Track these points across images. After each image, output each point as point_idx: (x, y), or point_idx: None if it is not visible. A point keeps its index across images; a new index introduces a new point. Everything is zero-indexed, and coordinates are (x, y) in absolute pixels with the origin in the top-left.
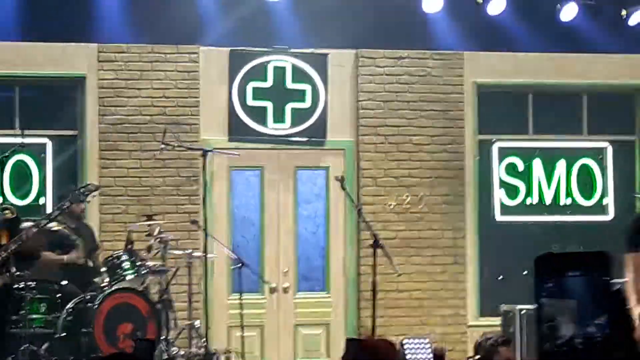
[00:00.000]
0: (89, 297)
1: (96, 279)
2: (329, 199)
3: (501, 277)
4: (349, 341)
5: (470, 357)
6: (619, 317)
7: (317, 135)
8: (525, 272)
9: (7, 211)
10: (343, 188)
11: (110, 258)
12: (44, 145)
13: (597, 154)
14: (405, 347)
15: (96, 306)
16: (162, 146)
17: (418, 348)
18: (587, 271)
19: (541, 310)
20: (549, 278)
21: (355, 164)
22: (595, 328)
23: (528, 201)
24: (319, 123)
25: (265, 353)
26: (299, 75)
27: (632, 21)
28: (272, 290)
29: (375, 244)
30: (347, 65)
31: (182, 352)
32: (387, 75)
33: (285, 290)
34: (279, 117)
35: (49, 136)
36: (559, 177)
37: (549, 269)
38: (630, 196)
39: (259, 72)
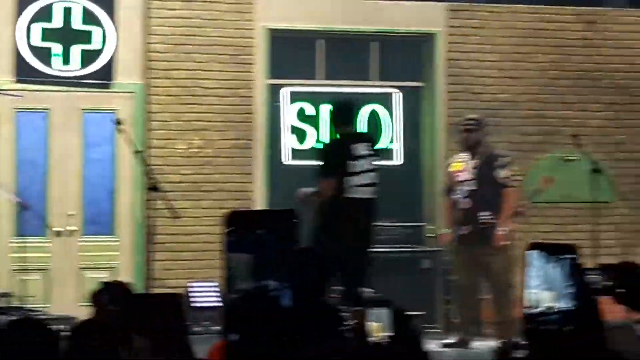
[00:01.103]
0: None
1: None
2: (117, 142)
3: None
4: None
5: None
6: (304, 272)
7: (105, 77)
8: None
9: None
10: (119, 131)
11: None
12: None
13: (386, 100)
14: (191, 291)
15: None
16: None
17: (204, 292)
18: (272, 229)
19: (227, 263)
20: (235, 233)
21: (144, 108)
22: (275, 282)
23: (317, 146)
24: (108, 66)
25: (49, 297)
26: (88, 16)
27: None
28: (57, 234)
29: (152, 188)
30: (137, 8)
31: None
32: (178, 18)
33: (71, 233)
34: (66, 59)
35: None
36: None
37: (237, 225)
38: (417, 141)
39: (46, 13)
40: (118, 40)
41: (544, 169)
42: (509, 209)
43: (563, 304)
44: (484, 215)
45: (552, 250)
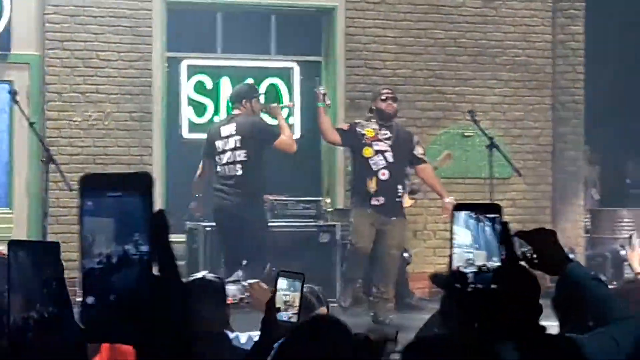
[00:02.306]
0: None
1: None
2: (13, 113)
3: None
4: None
5: None
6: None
7: (0, 48)
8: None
9: None
10: (15, 102)
11: None
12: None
13: (285, 74)
14: None
15: None
16: None
17: None
18: (126, 191)
19: (82, 229)
20: (90, 197)
21: (40, 79)
22: (133, 246)
23: (216, 119)
24: (3, 36)
25: None
26: None
27: None
28: None
29: (47, 160)
30: None
31: None
32: None
33: None
34: None
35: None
36: None
37: (91, 189)
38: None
39: None
40: (12, 10)
41: (441, 144)
42: (438, 181)
43: (495, 262)
44: (400, 189)
45: (478, 210)
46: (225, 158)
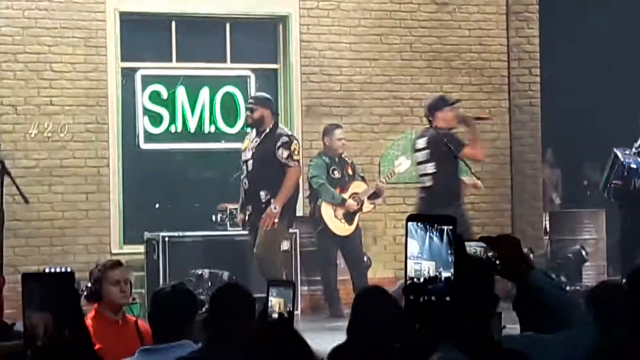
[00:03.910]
0: None
1: None
2: None
3: (157, 205)
4: None
5: None
6: None
7: None
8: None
9: None
10: None
11: None
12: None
13: (241, 82)
14: None
15: None
16: None
17: None
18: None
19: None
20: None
21: None
22: None
23: (172, 129)
24: None
25: None
26: None
27: None
28: None
29: (2, 170)
30: None
31: None
32: (25, 1)
33: None
34: None
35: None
36: (203, 105)
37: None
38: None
39: None
40: None
41: (398, 149)
42: (286, 189)
43: (447, 273)
44: (263, 195)
45: (431, 221)
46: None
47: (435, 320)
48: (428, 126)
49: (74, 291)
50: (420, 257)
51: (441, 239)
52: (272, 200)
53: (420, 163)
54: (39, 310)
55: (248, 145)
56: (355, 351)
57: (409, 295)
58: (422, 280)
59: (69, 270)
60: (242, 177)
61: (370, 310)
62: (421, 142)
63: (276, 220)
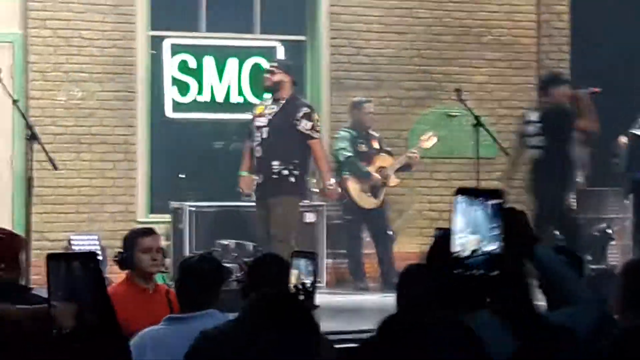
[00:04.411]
0: None
1: None
2: None
3: (183, 175)
4: None
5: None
6: None
7: None
8: (182, 175)
9: None
10: None
11: None
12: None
13: (269, 53)
14: (72, 243)
15: None
16: None
17: (86, 245)
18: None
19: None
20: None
21: (23, 58)
22: None
23: (199, 99)
24: None
25: None
26: None
27: None
28: None
29: (31, 139)
30: None
31: None
32: None
33: None
34: None
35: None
36: (230, 75)
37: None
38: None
39: None
40: None
41: (426, 124)
42: (324, 160)
43: (489, 247)
44: (276, 165)
45: (477, 194)
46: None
47: (478, 293)
48: (541, 100)
49: (100, 277)
50: (466, 231)
51: (486, 211)
52: (289, 172)
53: (530, 136)
54: (64, 299)
55: (263, 111)
56: (405, 322)
57: (454, 269)
58: (466, 254)
59: (95, 240)
60: (254, 144)
61: (416, 283)
62: (534, 116)
63: (339, 191)
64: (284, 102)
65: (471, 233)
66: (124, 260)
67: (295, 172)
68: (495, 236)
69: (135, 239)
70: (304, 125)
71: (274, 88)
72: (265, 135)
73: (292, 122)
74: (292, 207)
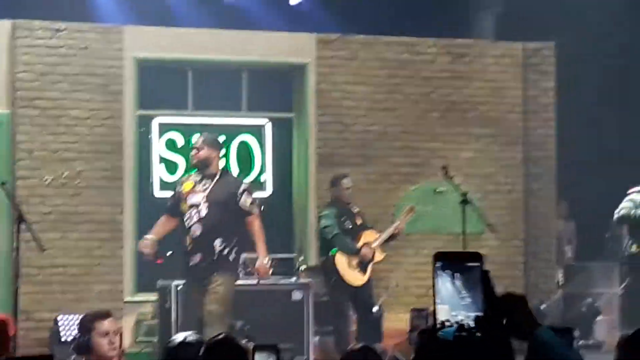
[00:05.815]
0: None
1: None
2: None
3: (169, 253)
4: None
5: None
6: None
7: None
8: (170, 253)
9: None
10: None
11: None
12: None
13: (257, 131)
14: (59, 323)
15: None
16: None
17: (72, 324)
18: None
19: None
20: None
21: (10, 137)
22: None
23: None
24: None
25: None
26: None
27: (292, 1)
28: None
29: (19, 220)
30: (3, 35)
31: None
32: (45, 47)
33: None
34: None
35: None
36: None
37: None
38: (287, 172)
39: None
40: None
41: (413, 200)
42: (262, 237)
43: (460, 316)
44: (218, 244)
45: (456, 259)
46: None
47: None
48: None
49: None
50: (448, 296)
51: (465, 277)
52: (229, 250)
53: None
54: None
55: (194, 188)
56: None
57: (438, 335)
58: (455, 320)
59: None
60: (190, 222)
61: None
62: None
63: (270, 272)
64: (217, 177)
65: (442, 303)
66: (81, 345)
67: (235, 249)
68: (467, 305)
69: (92, 322)
70: (244, 201)
71: (203, 164)
72: (204, 212)
73: (233, 197)
74: (232, 286)
